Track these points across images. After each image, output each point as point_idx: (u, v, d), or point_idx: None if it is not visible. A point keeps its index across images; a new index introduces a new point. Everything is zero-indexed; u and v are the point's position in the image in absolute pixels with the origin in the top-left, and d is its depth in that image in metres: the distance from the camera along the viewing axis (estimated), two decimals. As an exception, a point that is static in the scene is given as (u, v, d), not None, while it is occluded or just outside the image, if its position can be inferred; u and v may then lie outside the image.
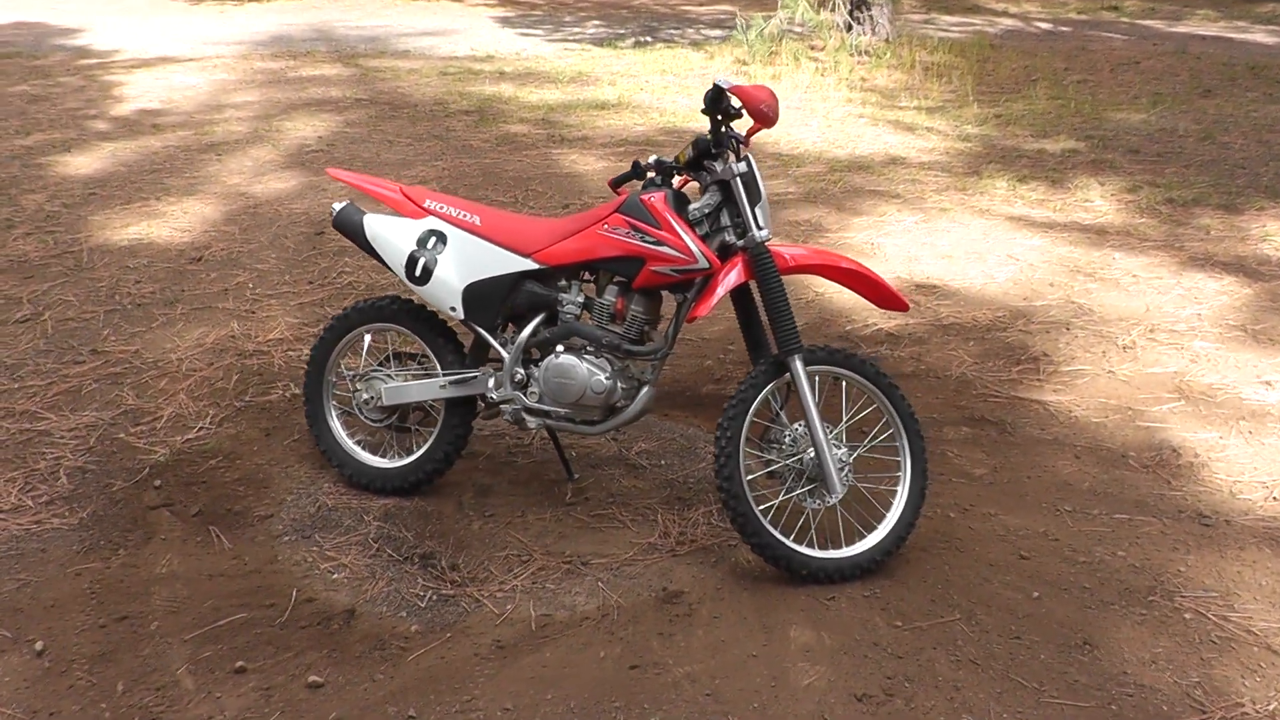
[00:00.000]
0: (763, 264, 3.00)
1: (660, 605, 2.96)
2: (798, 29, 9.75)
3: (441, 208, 3.28)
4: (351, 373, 3.48)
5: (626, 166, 6.58)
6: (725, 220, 3.08)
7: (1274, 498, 3.41)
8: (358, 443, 3.53)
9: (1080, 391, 4.13)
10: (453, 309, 3.25)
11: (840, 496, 3.01)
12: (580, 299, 3.21)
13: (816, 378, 3.12)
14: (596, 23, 13.89)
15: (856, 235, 5.72)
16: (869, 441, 3.17)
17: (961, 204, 6.20)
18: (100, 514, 3.39)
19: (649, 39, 12.18)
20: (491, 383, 3.25)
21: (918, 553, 3.17)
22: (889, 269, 5.25)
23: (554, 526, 3.33)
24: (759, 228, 3.02)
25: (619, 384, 3.13)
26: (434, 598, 3.01)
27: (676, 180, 3.18)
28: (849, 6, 10.16)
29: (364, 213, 3.37)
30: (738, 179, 3.02)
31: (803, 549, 3.01)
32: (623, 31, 12.99)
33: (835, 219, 5.96)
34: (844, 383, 3.16)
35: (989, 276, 5.19)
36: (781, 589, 3.01)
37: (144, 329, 4.67)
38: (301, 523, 3.36)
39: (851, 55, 9.26)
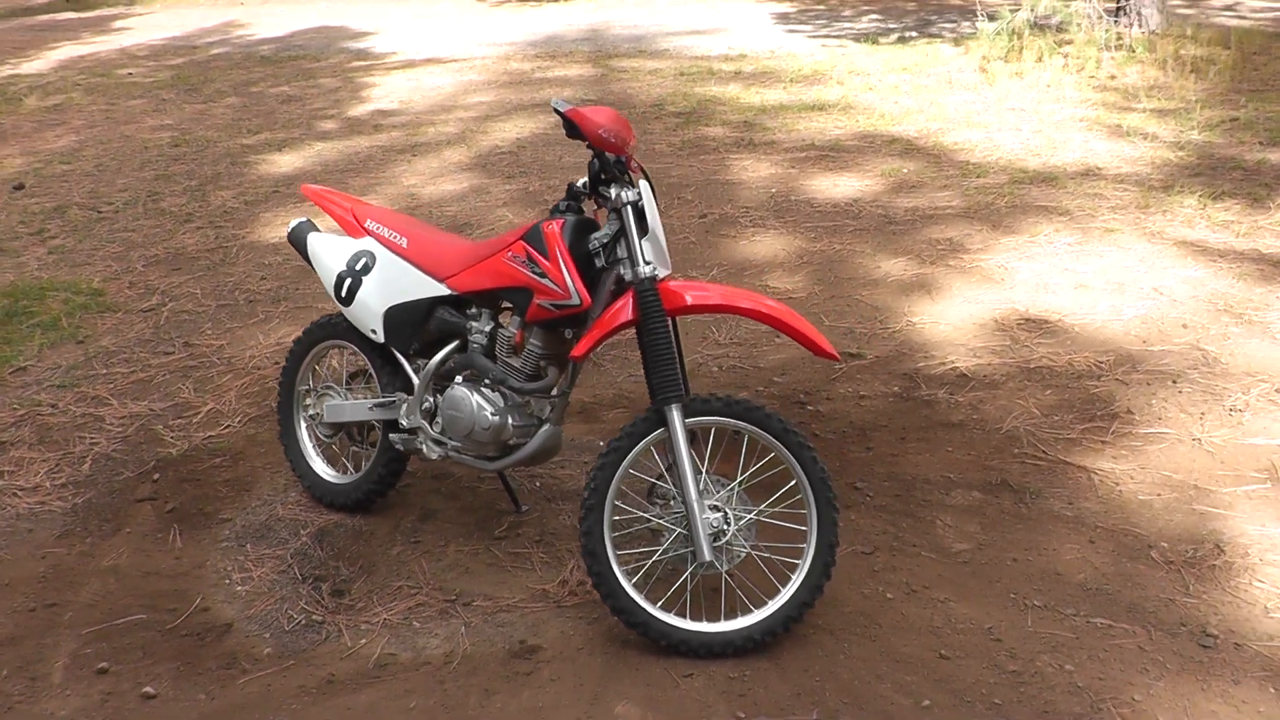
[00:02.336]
0: (645, 302, 2.75)
1: (508, 659, 2.81)
2: (1050, 21, 8.89)
3: (378, 228, 3.26)
4: (305, 387, 3.53)
5: (797, 174, 6.33)
6: (623, 252, 2.85)
7: (1314, 621, 2.74)
8: (325, 458, 3.55)
9: (1146, 460, 3.52)
10: (374, 331, 3.22)
11: (708, 562, 2.71)
12: (488, 328, 3.09)
13: (712, 430, 2.83)
14: (873, 16, 13.37)
15: (994, 257, 5.16)
16: (765, 505, 2.84)
17: (1134, 224, 5.44)
18: (93, 502, 3.65)
19: (914, 34, 11.57)
20: (404, 409, 3.20)
21: (819, 633, 2.82)
22: (1007, 297, 4.71)
23: (465, 561, 3.24)
24: (645, 262, 2.76)
25: (510, 420, 2.99)
26: (303, 622, 3.01)
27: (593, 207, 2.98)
28: (1115, -5, 9.16)
29: (312, 230, 3.40)
30: (626, 208, 2.78)
31: (666, 617, 2.76)
32: (894, 26, 12.42)
33: (981, 238, 5.41)
34: (746, 437, 2.84)
35: (1116, 312, 4.52)
36: (641, 658, 2.78)
37: (239, 325, 4.98)
38: (247, 531, 3.46)
39: (1101, 50, 8.33)
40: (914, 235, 5.52)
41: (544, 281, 2.84)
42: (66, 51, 13.74)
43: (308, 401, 3.50)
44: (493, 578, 3.16)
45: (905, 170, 6.57)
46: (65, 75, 11.97)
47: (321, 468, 3.54)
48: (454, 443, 3.09)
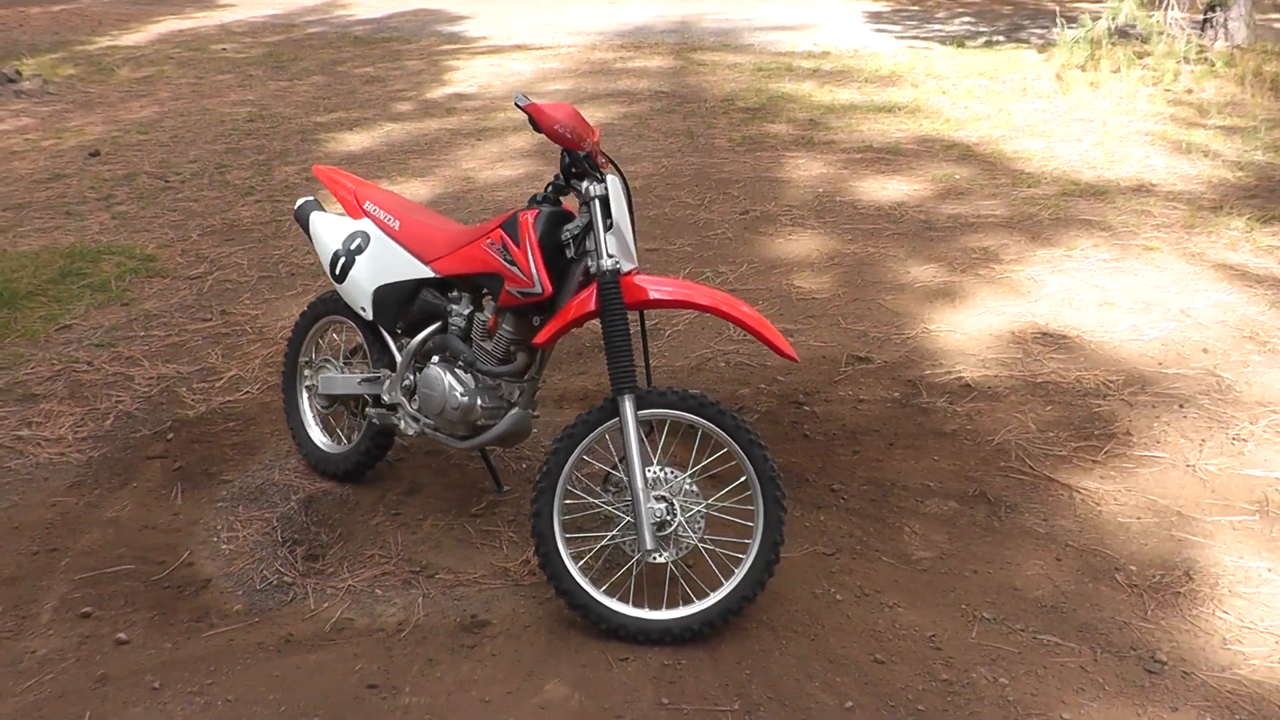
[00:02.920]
0: (605, 294, 2.83)
1: (456, 631, 2.91)
2: (1132, 31, 8.69)
3: (375, 210, 3.39)
4: (305, 359, 3.67)
5: (848, 175, 6.34)
6: (591, 245, 2.93)
7: None
8: (323, 428, 3.69)
9: (1133, 483, 3.48)
10: (363, 309, 3.35)
11: (650, 551, 2.77)
12: (467, 311, 3.19)
13: (667, 423, 2.89)
14: (966, 19, 13.17)
15: (1025, 269, 5.11)
16: (715, 498, 2.89)
17: (1175, 244, 5.33)
18: (108, 456, 3.85)
19: (1002, 38, 11.38)
20: (386, 385, 3.32)
21: (760, 629, 2.87)
22: (1030, 310, 4.67)
23: (438, 535, 3.35)
24: (609, 255, 2.83)
25: (479, 402, 3.09)
26: (274, 582, 3.15)
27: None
28: (1203, 6, 8.89)
29: (316, 209, 3.54)
30: (594, 202, 2.85)
31: (608, 601, 2.83)
32: (984, 29, 12.23)
33: (1017, 249, 5.35)
34: (700, 432, 2.90)
35: (1137, 332, 4.45)
36: (583, 640, 2.86)
37: (277, 296, 5.17)
38: (243, 492, 3.62)
39: (1181, 63, 8.11)
40: (950, 242, 5.48)
41: (513, 269, 2.92)
42: (168, 26, 14.25)
43: (306, 373, 3.64)
44: (460, 553, 3.25)
45: (956, 176, 6.51)
46: (161, 49, 12.42)
47: (319, 436, 3.68)
48: (428, 420, 3.19)
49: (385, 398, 3.31)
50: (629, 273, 2.86)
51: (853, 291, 5.00)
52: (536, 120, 2.74)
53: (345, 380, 3.46)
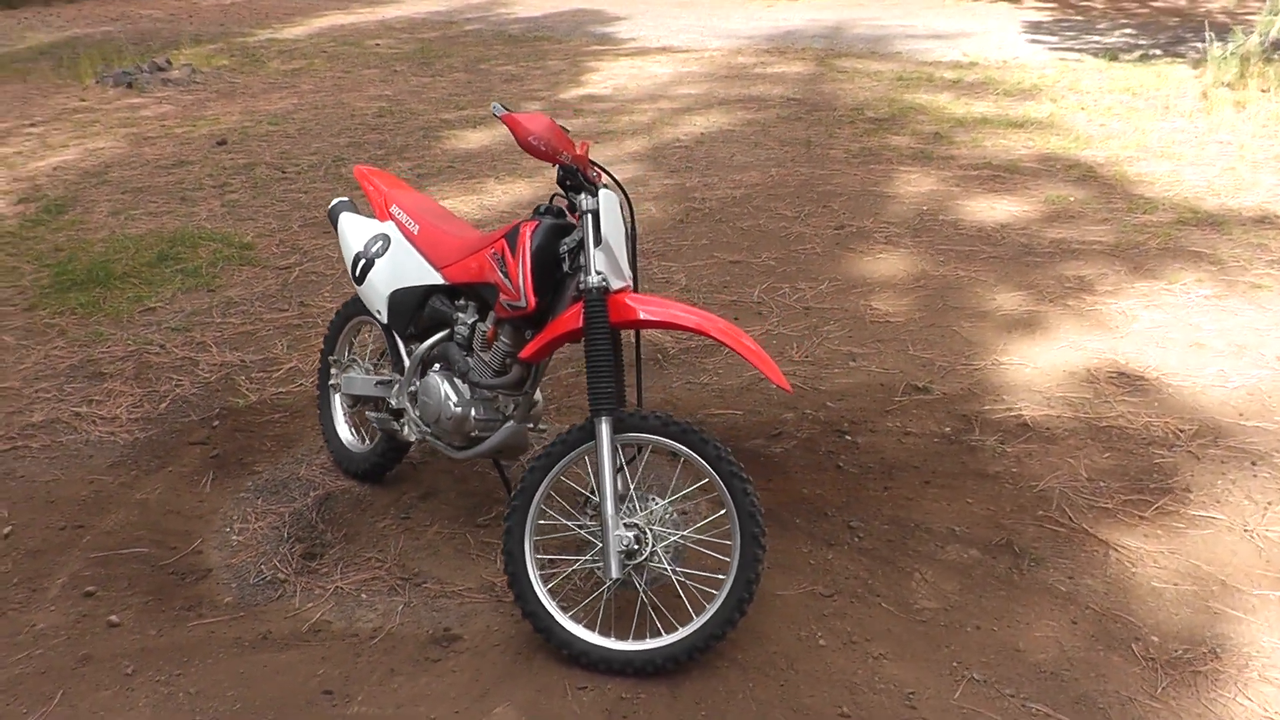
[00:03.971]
0: (589, 312, 2.76)
1: (426, 644, 2.90)
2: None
3: (399, 213, 3.40)
4: (334, 357, 3.72)
5: (958, 193, 6.13)
6: (584, 260, 2.87)
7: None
8: (351, 426, 3.75)
9: (1180, 545, 3.21)
10: (379, 312, 3.36)
11: (616, 579, 2.69)
12: (471, 320, 3.17)
13: (647, 449, 2.81)
14: (1127, 30, 12.52)
15: (1119, 302, 4.80)
16: (692, 529, 2.80)
17: (1290, 283, 4.92)
18: (153, 439, 3.98)
19: (1159, 52, 10.77)
20: (395, 390, 3.33)
21: (731, 667, 2.76)
22: (1113, 346, 4.38)
23: (439, 543, 3.34)
24: (596, 273, 2.77)
25: (474, 413, 3.06)
26: (268, 578, 3.20)
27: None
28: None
29: (347, 209, 3.58)
30: (586, 216, 2.79)
31: (572, 626, 2.76)
32: (1143, 42, 11.60)
33: (1115, 279, 5.04)
34: (682, 460, 2.81)
35: (1223, 378, 4.12)
36: (545, 664, 2.80)
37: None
38: (268, 485, 3.70)
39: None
40: (1046, 269, 5.19)
41: (505, 280, 2.88)
42: (330, 20, 14.78)
43: (333, 371, 3.68)
44: (454, 563, 3.23)
45: (1070, 199, 6.16)
46: (317, 43, 12.88)
47: (346, 434, 3.71)
48: (426, 428, 3.18)
49: (393, 402, 3.30)
50: (619, 291, 2.77)
51: (929, 316, 4.78)
52: (512, 131, 2.68)
53: (364, 381, 3.47)
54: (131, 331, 4.81)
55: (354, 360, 3.65)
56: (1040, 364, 4.29)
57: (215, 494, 3.64)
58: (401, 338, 3.32)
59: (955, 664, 2.75)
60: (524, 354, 2.85)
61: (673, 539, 2.75)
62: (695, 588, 2.78)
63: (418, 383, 3.22)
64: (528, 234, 2.88)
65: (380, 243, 3.36)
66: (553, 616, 2.75)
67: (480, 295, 3.10)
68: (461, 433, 3.07)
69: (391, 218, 3.40)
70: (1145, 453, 3.67)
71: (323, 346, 3.81)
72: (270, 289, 5.30)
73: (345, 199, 3.66)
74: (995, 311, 4.79)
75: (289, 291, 5.27)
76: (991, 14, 14.07)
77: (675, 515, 2.81)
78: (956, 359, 4.38)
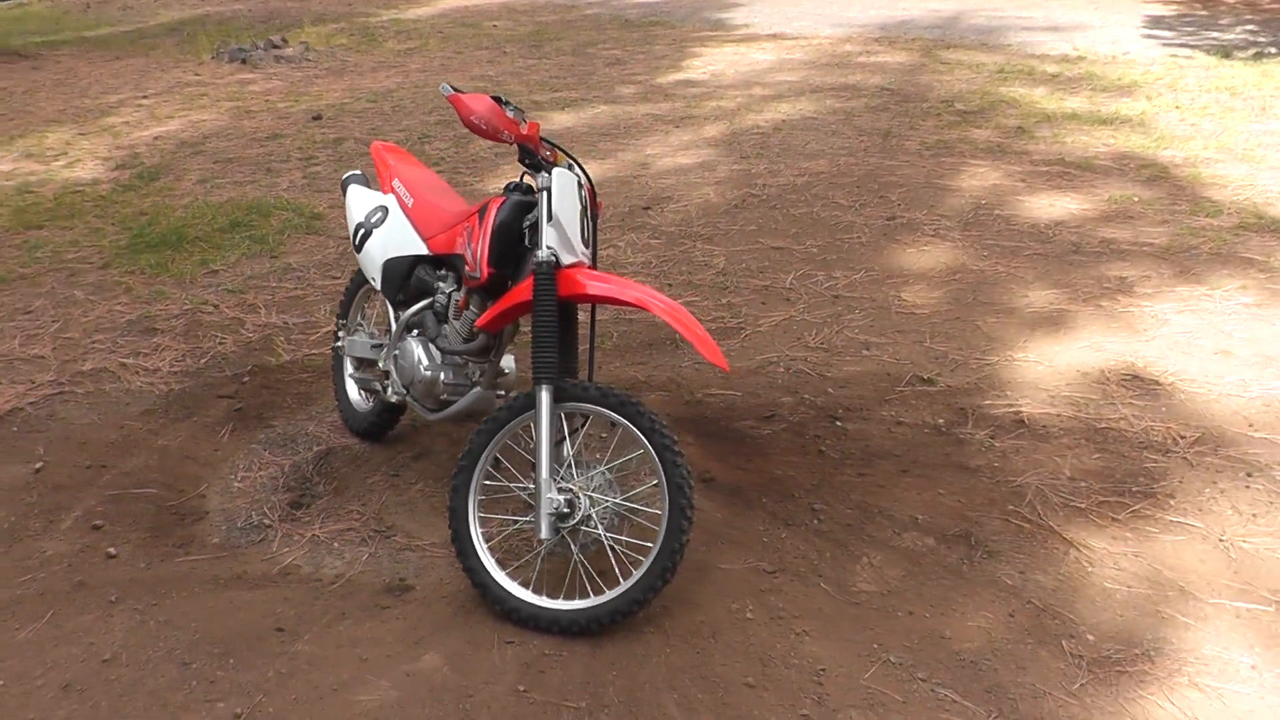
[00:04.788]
0: (537, 285, 2.90)
1: (380, 592, 3.08)
2: None
3: (399, 186, 3.60)
4: (343, 321, 3.95)
5: (1021, 188, 6.09)
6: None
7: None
8: (360, 387, 3.93)
9: (1147, 549, 3.20)
10: (373, 279, 3.56)
11: (546, 540, 2.83)
12: (450, 290, 3.34)
13: (589, 418, 2.95)
14: (1249, 26, 11.98)
15: (1155, 305, 4.71)
16: (621, 499, 2.91)
17: (1340, 294, 4.74)
18: (186, 391, 4.28)
19: (1275, 50, 10.31)
20: (383, 353, 3.53)
21: (655, 633, 2.87)
22: (1135, 350, 4.30)
23: (419, 500, 3.52)
24: (547, 247, 2.91)
25: (443, 377, 3.23)
26: (255, 523, 3.43)
27: None
28: None
29: (355, 182, 3.79)
30: (542, 192, 2.94)
31: (508, 583, 2.91)
32: (1264, 39, 11.09)
33: (1157, 283, 4.93)
34: (620, 430, 2.93)
35: (1242, 388, 4.02)
36: (483, 619, 2.93)
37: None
38: (279, 438, 3.94)
39: None
40: (1089, 269, 5.10)
41: (468, 252, 3.03)
42: (455, 2, 15.16)
43: (340, 334, 3.89)
44: (426, 519, 3.40)
45: (1135, 198, 6.01)
46: (436, 24, 13.26)
47: (352, 394, 3.93)
48: (403, 390, 3.36)
49: (380, 364, 3.49)
50: (570, 266, 2.89)
51: (956, 310, 4.76)
52: (456, 110, 2.82)
53: (363, 344, 3.67)
54: (191, 292, 5.13)
55: (360, 325, 3.84)
56: (1055, 362, 4.25)
57: (230, 444, 3.88)
58: (392, 304, 3.50)
59: (875, 646, 2.79)
60: (479, 322, 2.99)
61: (605, 505, 2.85)
62: (625, 554, 2.88)
63: (399, 347, 3.40)
64: (493, 210, 3.02)
65: (380, 214, 3.54)
66: (489, 572, 2.89)
67: (455, 266, 3.25)
68: (432, 395, 3.24)
69: (392, 190, 3.57)
70: (1137, 456, 3.62)
71: (338, 311, 4.02)
72: (329, 257, 5.57)
73: (357, 172, 3.85)
74: (1024, 308, 4.74)
75: (345, 260, 5.52)
76: (1116, 7, 13.60)
77: (613, 483, 2.90)
78: (971, 353, 4.36)
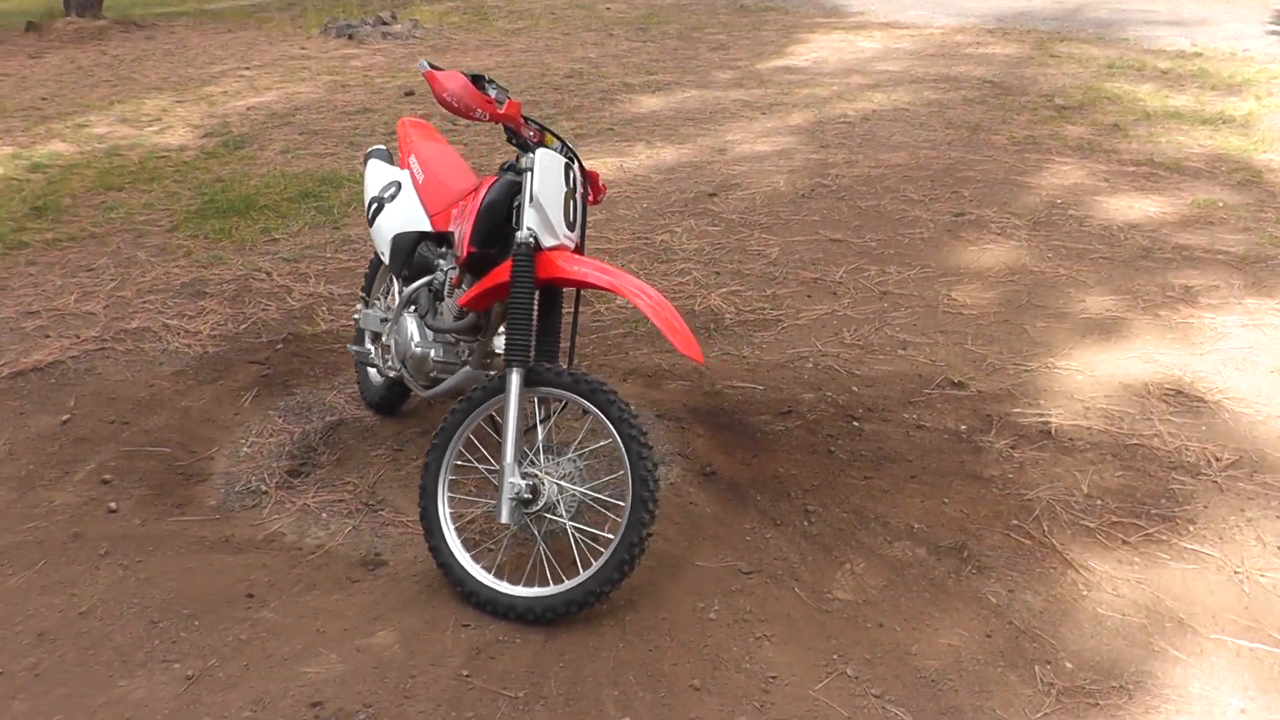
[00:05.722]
0: (515, 265, 2.88)
1: (354, 565, 3.11)
2: None
3: (413, 162, 3.61)
4: (363, 295, 3.99)
5: (1103, 188, 5.89)
6: (528, 216, 2.99)
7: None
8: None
9: (1154, 576, 3.02)
10: (382, 253, 3.59)
11: (505, 524, 2.82)
12: (448, 267, 3.34)
13: (564, 405, 2.92)
14: (1401, 26, 11.23)
15: (1216, 317, 4.45)
16: (587, 489, 2.87)
17: None
18: (220, 354, 4.39)
19: None
20: (387, 327, 3.56)
21: (611, 626, 2.82)
22: (1186, 364, 4.07)
23: (413, 476, 3.51)
24: (527, 229, 2.89)
25: (433, 354, 3.24)
26: (252, 488, 3.50)
27: None
28: None
29: (376, 157, 3.82)
30: (526, 173, 2.91)
31: (470, 565, 2.90)
32: None
33: (1224, 293, 4.66)
34: (590, 417, 2.90)
35: (1297, 409, 3.77)
36: (445, 599, 2.92)
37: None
38: (296, 406, 4.02)
39: None
40: (1156, 276, 4.85)
41: (457, 229, 3.02)
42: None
43: (358, 308, 3.93)
44: (415, 496, 3.40)
45: (1219, 204, 5.69)
46: (551, 4, 13.30)
47: (371, 371, 3.96)
48: (399, 365, 3.37)
49: (383, 339, 3.51)
50: (552, 248, 2.85)
51: (1006, 313, 4.57)
52: (430, 87, 2.80)
53: (374, 318, 3.70)
54: (248, 258, 5.24)
55: (378, 299, 3.87)
56: (1098, 372, 4.04)
57: (250, 409, 3.96)
58: (397, 279, 3.51)
59: (835, 656, 2.70)
60: (461, 300, 2.98)
61: (571, 493, 2.81)
62: (587, 544, 2.83)
63: (396, 323, 3.41)
64: (483, 189, 2.99)
65: (393, 189, 3.55)
66: (453, 553, 2.88)
67: (451, 243, 3.24)
68: (422, 372, 3.24)
69: (408, 166, 3.58)
70: (1163, 476, 3.42)
71: (363, 284, 4.05)
72: (383, 231, 5.61)
73: (381, 147, 3.88)
74: (1078, 314, 4.53)
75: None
76: (1246, 1, 12.89)
77: (582, 471, 2.86)
78: (1011, 358, 4.19)
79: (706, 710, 2.51)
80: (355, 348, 3.58)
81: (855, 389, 4.00)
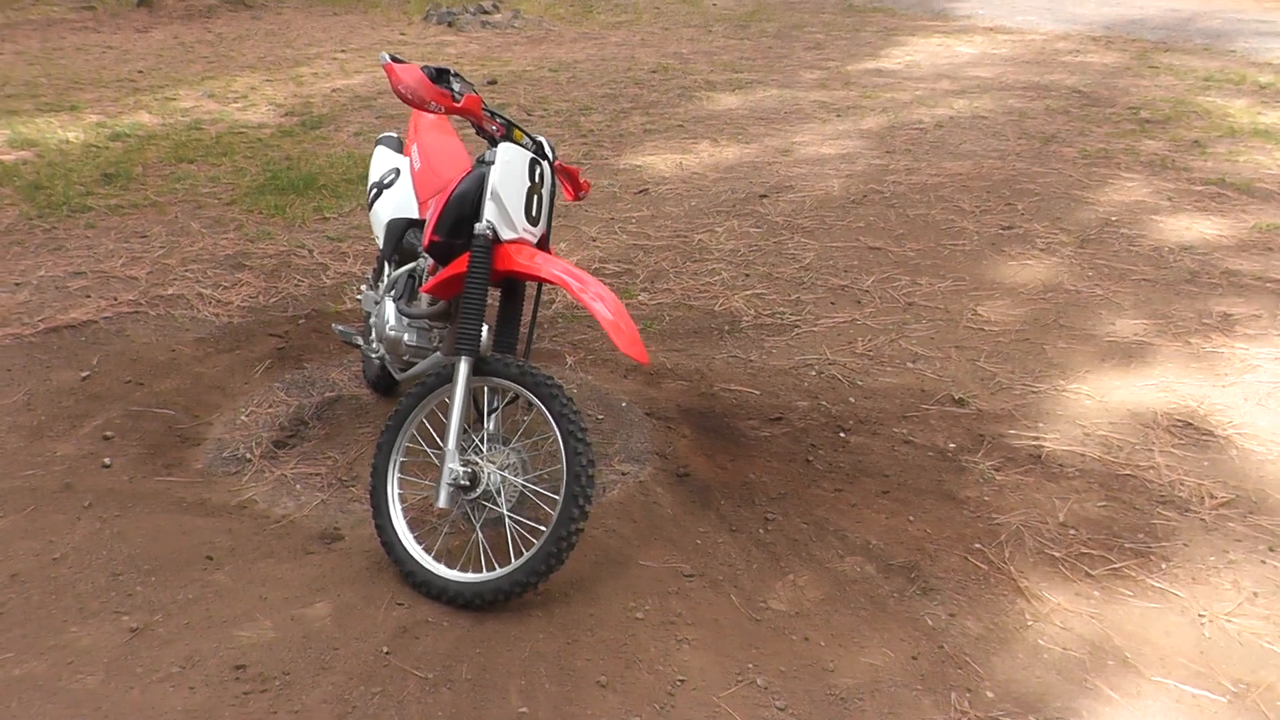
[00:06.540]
0: (472, 256, 2.95)
1: (312, 537, 3.21)
2: None
3: (414, 150, 3.71)
4: (369, 280, 4.10)
5: (1164, 206, 5.77)
6: (496, 208, 3.05)
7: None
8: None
9: (1110, 612, 2.94)
10: (377, 237, 3.70)
11: (440, 508, 2.89)
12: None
13: (516, 397, 2.98)
14: None
15: (1249, 348, 4.28)
16: (528, 478, 2.92)
17: None
18: (243, 325, 4.56)
19: None
20: (375, 311, 3.66)
21: (541, 616, 2.86)
22: (1203, 395, 3.93)
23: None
24: (485, 221, 2.95)
25: (406, 338, 3.33)
26: (238, 456, 3.63)
27: None
28: None
29: (383, 144, 3.92)
30: (488, 166, 2.98)
31: (412, 546, 2.97)
32: None
33: (1263, 323, 4.47)
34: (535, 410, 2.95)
35: (1307, 450, 3.62)
36: (387, 578, 2.97)
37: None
38: (300, 380, 4.15)
39: None
40: (1195, 301, 4.68)
41: (430, 218, 3.10)
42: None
43: (362, 289, 4.04)
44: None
45: (1286, 230, 5.44)
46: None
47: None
48: (379, 347, 3.47)
49: (369, 321, 3.61)
50: (509, 241, 2.90)
51: (1028, 331, 4.47)
52: (389, 78, 2.86)
53: (371, 299, 3.81)
54: (295, 235, 5.42)
55: (381, 282, 3.97)
56: (1109, 398, 3.92)
57: (259, 379, 4.11)
58: (388, 264, 3.60)
59: (750, 666, 2.69)
60: (424, 287, 3.04)
61: (511, 483, 2.85)
62: (523, 535, 2.88)
63: (378, 307, 3.50)
64: (456, 179, 3.06)
65: (392, 175, 3.65)
66: (397, 532, 2.95)
67: None
68: (397, 354, 3.32)
69: (409, 154, 3.67)
70: (1148, 510, 3.31)
71: (374, 267, 4.16)
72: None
73: (392, 134, 3.97)
74: (1104, 336, 4.39)
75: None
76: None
77: (526, 463, 2.90)
78: (1021, 377, 4.09)
79: (606, 708, 2.52)
80: (340, 327, 3.68)
81: (852, 399, 3.95)
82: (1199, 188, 6.06)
